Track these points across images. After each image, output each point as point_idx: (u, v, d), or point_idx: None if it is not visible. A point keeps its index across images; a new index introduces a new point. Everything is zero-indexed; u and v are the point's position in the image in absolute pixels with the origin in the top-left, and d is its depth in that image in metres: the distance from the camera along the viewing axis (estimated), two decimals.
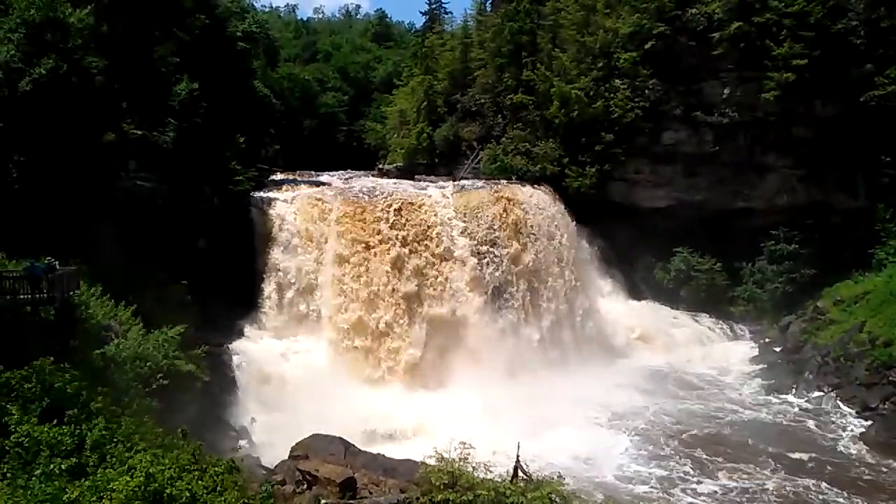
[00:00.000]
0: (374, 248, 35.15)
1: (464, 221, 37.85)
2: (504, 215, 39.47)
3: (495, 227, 38.56)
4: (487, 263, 37.37)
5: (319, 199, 37.53)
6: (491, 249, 37.80)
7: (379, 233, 35.49)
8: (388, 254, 35.12)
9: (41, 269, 19.79)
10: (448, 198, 39.12)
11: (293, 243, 35.51)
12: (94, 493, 11.44)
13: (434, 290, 35.77)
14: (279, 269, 34.93)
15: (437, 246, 36.47)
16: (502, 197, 40.59)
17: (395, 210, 36.45)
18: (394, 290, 34.68)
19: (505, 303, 37.29)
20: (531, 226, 40.28)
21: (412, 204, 37.37)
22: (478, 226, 38.05)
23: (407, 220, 36.50)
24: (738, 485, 25.59)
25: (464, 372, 33.44)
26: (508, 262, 38.11)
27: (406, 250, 35.67)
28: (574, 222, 43.36)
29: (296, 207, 36.75)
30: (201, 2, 36.78)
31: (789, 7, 40.95)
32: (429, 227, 36.76)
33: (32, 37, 25.40)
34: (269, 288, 34.73)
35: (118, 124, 28.56)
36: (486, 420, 27.50)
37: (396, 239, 35.65)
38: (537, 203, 42.17)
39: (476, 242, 37.44)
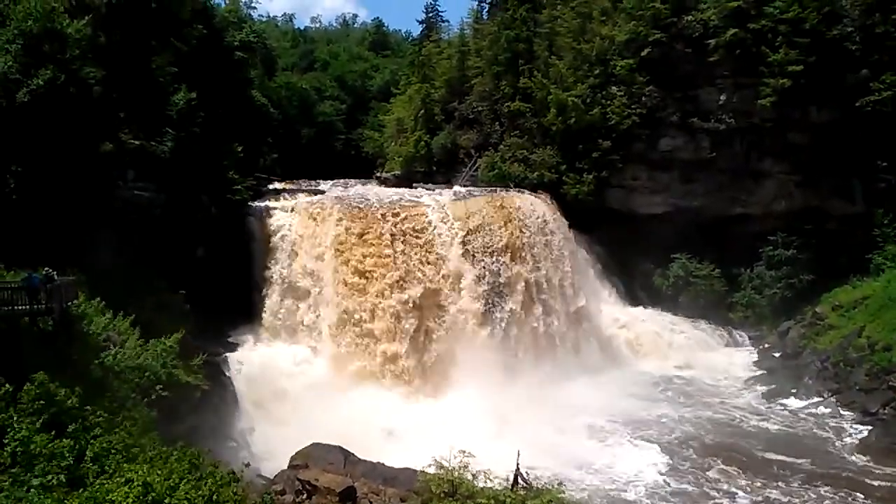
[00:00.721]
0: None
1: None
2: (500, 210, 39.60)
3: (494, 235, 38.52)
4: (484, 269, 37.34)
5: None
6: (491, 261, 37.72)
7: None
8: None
9: (39, 279, 19.65)
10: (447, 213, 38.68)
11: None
12: None
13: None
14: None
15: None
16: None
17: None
18: None
19: (505, 311, 37.16)
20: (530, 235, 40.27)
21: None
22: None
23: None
24: (759, 498, 25.13)
25: (464, 378, 33.30)
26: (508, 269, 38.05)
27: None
28: (571, 230, 43.35)
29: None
30: (199, 12, 36.95)
31: (784, 14, 41.10)
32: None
33: (30, 48, 25.37)
34: (267, 298, 34.86)
35: (116, 134, 28.54)
36: (488, 429, 27.33)
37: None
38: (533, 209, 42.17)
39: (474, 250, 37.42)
